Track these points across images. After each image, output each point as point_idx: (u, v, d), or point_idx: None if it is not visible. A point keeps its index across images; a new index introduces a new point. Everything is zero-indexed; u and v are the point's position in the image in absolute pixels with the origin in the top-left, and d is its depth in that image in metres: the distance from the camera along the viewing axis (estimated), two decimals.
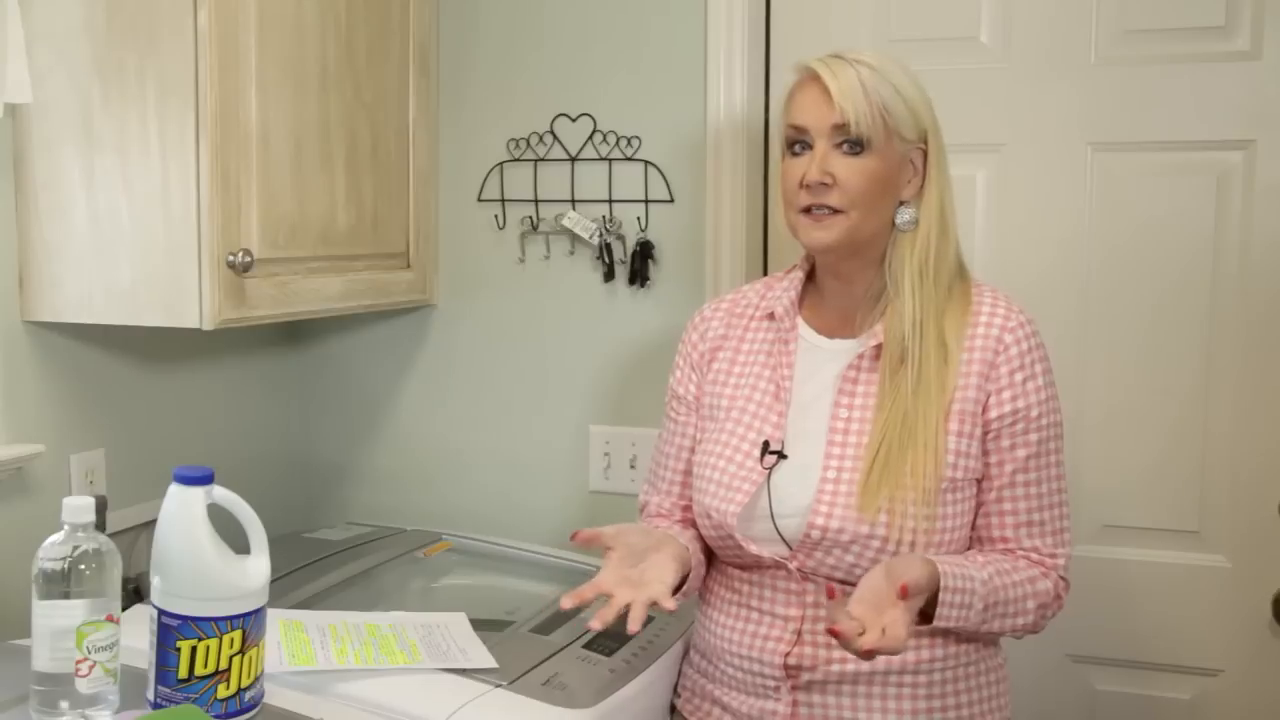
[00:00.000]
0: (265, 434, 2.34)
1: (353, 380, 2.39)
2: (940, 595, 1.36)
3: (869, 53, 1.48)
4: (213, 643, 1.31)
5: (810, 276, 1.59)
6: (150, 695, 1.33)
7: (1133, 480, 1.96)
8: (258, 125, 1.76)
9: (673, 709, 1.64)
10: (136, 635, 1.37)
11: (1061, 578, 1.49)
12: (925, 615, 1.37)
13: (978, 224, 1.98)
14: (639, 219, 2.14)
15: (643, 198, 2.14)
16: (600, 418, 2.22)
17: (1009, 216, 1.99)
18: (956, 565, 1.39)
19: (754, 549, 1.49)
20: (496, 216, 2.24)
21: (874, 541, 1.43)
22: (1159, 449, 1.94)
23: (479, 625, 1.64)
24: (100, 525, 1.33)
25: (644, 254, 2.13)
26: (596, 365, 2.21)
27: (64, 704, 1.29)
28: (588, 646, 1.62)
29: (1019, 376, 1.47)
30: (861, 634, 1.26)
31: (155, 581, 1.33)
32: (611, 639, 1.65)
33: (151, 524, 1.39)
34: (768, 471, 1.48)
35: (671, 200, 2.13)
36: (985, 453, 1.47)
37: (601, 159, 2.16)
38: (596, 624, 1.34)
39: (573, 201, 2.18)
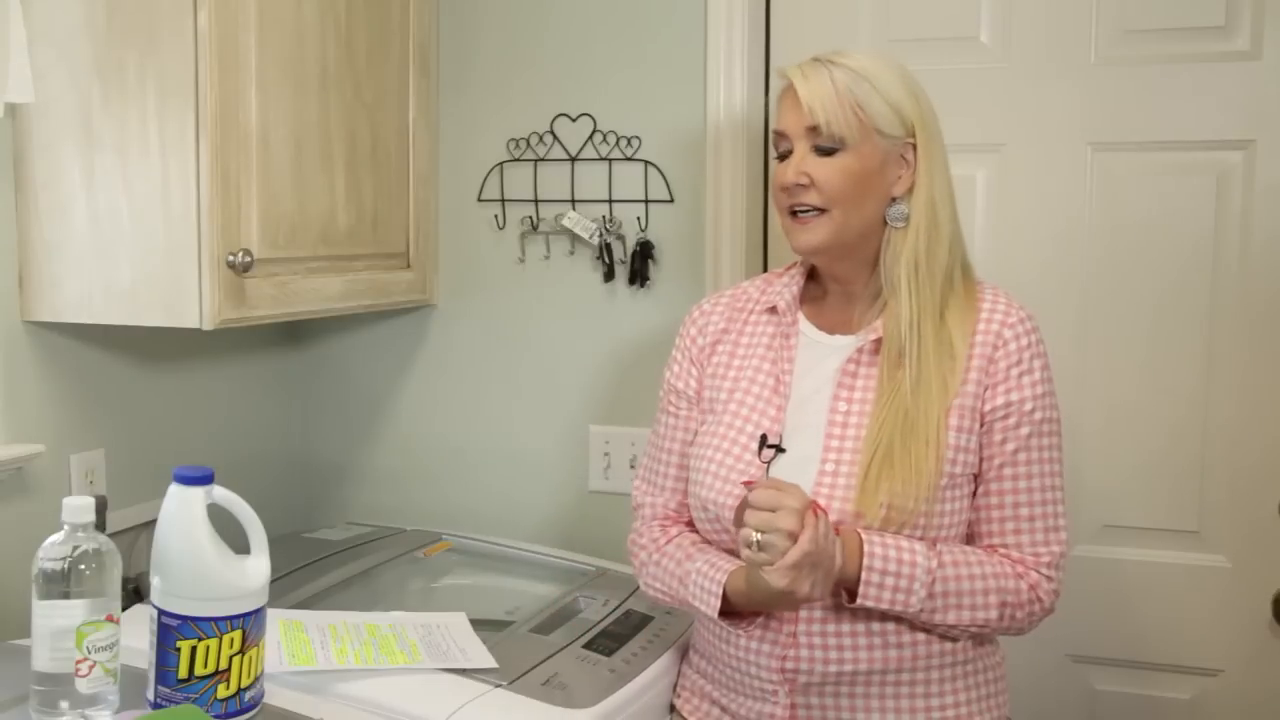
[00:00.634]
0: (265, 434, 2.34)
1: (353, 380, 2.39)
2: (864, 561, 1.38)
3: (857, 53, 1.48)
4: (213, 643, 1.30)
5: (811, 275, 1.59)
6: (150, 695, 1.33)
7: (1132, 480, 1.96)
8: (258, 125, 1.76)
9: (672, 709, 1.64)
10: (136, 635, 1.37)
11: (1047, 576, 1.46)
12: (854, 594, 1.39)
13: (978, 224, 1.98)
14: (639, 219, 2.14)
15: (643, 198, 2.14)
16: (600, 417, 2.22)
17: (1009, 216, 1.99)
18: (901, 550, 1.39)
19: None
20: (496, 216, 2.24)
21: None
22: (1159, 449, 1.94)
23: (479, 625, 1.64)
24: (100, 525, 1.33)
25: (644, 254, 2.13)
26: (596, 365, 2.21)
27: (64, 704, 1.29)
28: (588, 646, 1.62)
29: (1015, 371, 1.47)
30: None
31: (155, 581, 1.33)
32: (611, 639, 1.65)
33: (151, 524, 1.39)
34: (765, 465, 1.48)
35: (671, 200, 2.13)
36: (980, 447, 1.47)
37: (601, 159, 2.16)
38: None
39: (573, 201, 2.18)
